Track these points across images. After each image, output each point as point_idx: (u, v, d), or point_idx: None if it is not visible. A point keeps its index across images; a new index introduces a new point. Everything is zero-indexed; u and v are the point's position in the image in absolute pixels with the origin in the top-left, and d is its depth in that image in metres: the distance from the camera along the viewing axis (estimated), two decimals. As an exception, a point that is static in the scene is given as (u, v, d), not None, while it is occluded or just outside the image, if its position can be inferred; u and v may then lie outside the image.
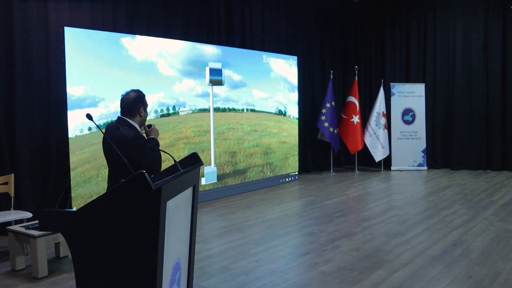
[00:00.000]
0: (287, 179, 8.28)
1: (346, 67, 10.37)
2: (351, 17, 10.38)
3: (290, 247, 4.53)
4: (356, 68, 9.60)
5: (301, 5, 9.09)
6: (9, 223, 4.34)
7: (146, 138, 2.97)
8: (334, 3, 9.82)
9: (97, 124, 2.66)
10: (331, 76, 9.22)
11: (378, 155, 9.37)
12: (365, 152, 9.61)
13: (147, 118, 3.07)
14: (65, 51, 5.01)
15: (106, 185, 2.99)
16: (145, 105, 2.99)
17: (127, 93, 2.97)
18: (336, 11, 10.02)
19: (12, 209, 4.60)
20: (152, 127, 3.04)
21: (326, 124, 8.96)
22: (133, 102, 2.92)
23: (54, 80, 5.39)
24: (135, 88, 3.03)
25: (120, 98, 2.97)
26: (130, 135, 2.78)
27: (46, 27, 5.34)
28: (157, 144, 2.96)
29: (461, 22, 9.42)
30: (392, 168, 9.52)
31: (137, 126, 2.93)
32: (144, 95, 3.00)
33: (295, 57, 8.53)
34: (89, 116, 2.56)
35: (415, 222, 5.37)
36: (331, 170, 9.43)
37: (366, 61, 10.57)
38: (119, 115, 2.96)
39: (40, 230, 3.71)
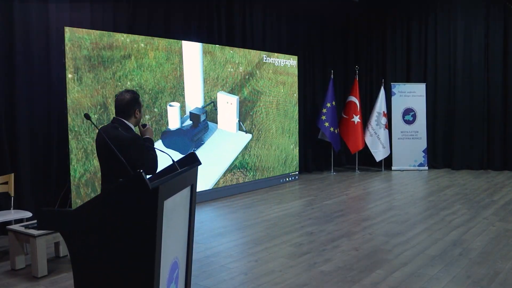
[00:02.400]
0: (287, 179, 8.29)
1: (346, 66, 10.37)
2: (352, 16, 10.38)
3: (290, 246, 4.53)
4: (356, 68, 9.61)
5: (301, 5, 9.09)
6: (9, 222, 4.36)
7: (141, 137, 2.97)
8: (335, 2, 9.81)
9: (95, 123, 2.67)
10: (332, 76, 9.22)
11: (379, 155, 9.37)
12: (366, 152, 9.60)
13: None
14: (65, 51, 5.03)
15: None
16: (140, 106, 2.95)
17: (121, 94, 2.92)
18: (336, 11, 10.01)
19: (12, 208, 4.62)
20: (147, 126, 3.03)
21: (326, 124, 8.97)
22: (128, 104, 2.89)
23: (54, 80, 5.40)
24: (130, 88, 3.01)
25: (114, 98, 2.94)
26: (127, 135, 2.78)
27: (47, 27, 5.36)
28: (153, 143, 2.96)
29: (462, 22, 9.41)
30: (393, 168, 9.51)
31: (132, 127, 2.91)
32: (139, 96, 2.97)
33: (296, 57, 8.53)
34: (87, 116, 2.57)
35: (415, 222, 5.37)
36: (332, 170, 9.43)
37: (367, 61, 10.57)
38: (114, 116, 2.94)
39: (39, 229, 3.73)
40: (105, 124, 2.98)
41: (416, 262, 4.02)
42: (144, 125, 3.03)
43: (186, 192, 2.50)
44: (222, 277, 3.73)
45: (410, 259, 4.08)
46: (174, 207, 2.27)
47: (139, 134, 2.98)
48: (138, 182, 1.92)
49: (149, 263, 1.98)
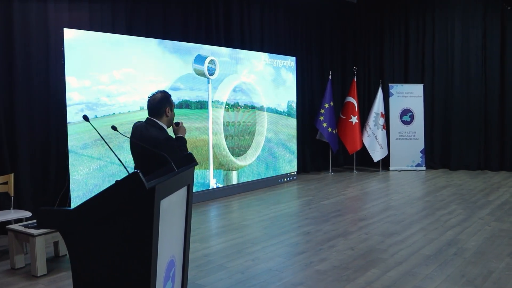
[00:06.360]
0: (285, 179, 8.33)
1: (344, 67, 10.40)
2: (350, 17, 10.42)
3: (286, 246, 4.58)
4: (354, 69, 9.65)
5: (300, 6, 9.13)
6: (9, 222, 4.40)
7: (174, 135, 3.10)
8: (333, 3, 9.86)
9: (93, 125, 2.71)
10: (330, 77, 9.26)
11: (377, 155, 9.41)
12: (364, 152, 9.65)
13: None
14: (64, 52, 5.07)
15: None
16: (171, 105, 3.10)
17: (154, 94, 3.09)
18: (335, 12, 10.05)
19: (11, 208, 4.66)
20: (180, 125, 3.17)
21: (324, 125, 9.01)
22: (160, 103, 3.04)
23: (53, 81, 5.44)
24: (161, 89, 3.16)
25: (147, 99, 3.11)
26: (160, 136, 2.92)
27: (46, 28, 5.39)
28: (185, 142, 3.10)
29: (459, 23, 9.46)
30: (391, 168, 9.56)
31: (165, 127, 3.06)
32: (169, 95, 3.12)
33: (294, 58, 8.58)
34: (85, 118, 2.61)
35: (411, 222, 5.42)
36: (330, 170, 9.47)
37: (365, 62, 10.61)
38: (147, 116, 3.08)
39: (38, 228, 3.78)
40: (137, 122, 3.18)
41: (411, 261, 4.06)
42: (177, 123, 3.16)
43: (182, 192, 2.54)
44: (219, 276, 3.78)
45: (405, 259, 4.13)
46: (170, 207, 2.31)
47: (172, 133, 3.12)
48: (135, 182, 1.97)
49: (146, 261, 2.02)
